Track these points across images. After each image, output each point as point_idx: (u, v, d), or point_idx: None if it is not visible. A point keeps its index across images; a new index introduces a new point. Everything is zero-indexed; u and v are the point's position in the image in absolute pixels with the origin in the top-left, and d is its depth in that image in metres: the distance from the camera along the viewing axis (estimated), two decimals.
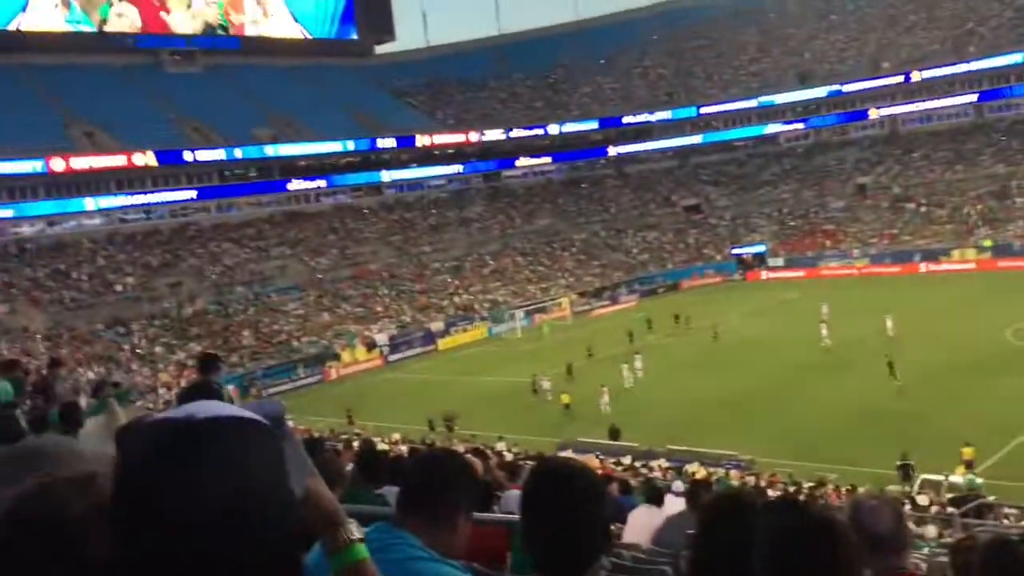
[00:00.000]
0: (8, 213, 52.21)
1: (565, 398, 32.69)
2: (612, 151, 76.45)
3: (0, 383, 9.16)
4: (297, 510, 1.18)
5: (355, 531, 1.59)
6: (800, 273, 59.35)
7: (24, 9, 59.99)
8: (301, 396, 41.81)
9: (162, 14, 66.07)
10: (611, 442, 27.53)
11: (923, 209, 61.04)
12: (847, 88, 69.62)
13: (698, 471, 21.73)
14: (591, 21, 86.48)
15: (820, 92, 70.69)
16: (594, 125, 75.44)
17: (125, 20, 64.37)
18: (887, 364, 30.71)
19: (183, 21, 67.19)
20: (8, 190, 51.83)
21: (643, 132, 75.65)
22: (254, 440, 1.10)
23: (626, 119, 75.27)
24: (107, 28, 63.65)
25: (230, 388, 42.38)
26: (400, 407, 36.25)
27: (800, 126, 72.99)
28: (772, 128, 73.41)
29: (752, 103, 72.89)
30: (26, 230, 53.45)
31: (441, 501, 2.22)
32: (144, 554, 1.03)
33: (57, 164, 52.63)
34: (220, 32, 69.30)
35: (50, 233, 53.92)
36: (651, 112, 75.19)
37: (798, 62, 75.20)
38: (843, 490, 19.62)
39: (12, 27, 59.73)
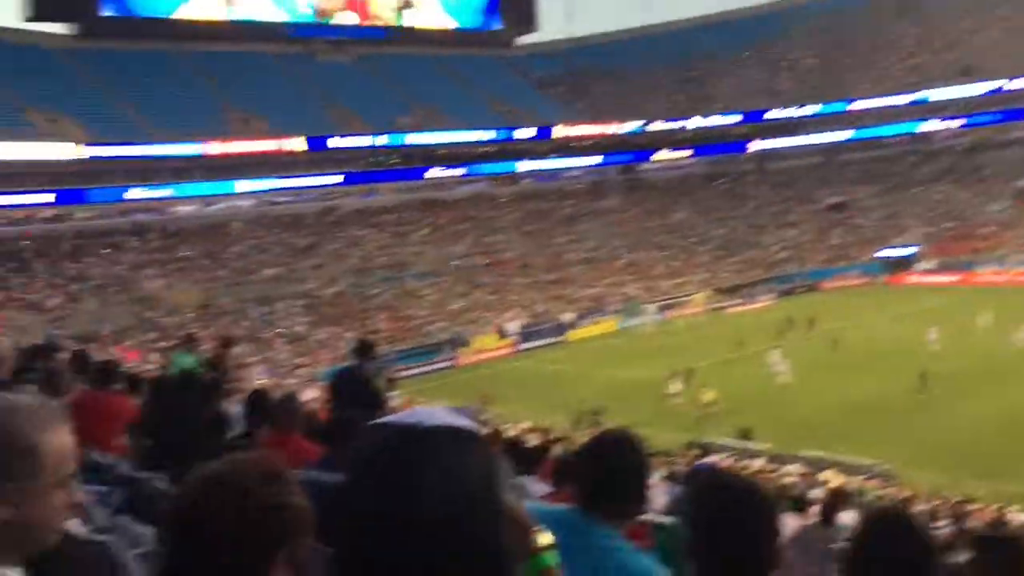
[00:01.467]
0: (168, 192, 55.29)
1: (709, 394, 32.00)
2: (754, 146, 74.52)
3: (186, 357, 9.88)
4: (506, 519, 1.19)
5: (543, 539, 1.59)
6: (953, 278, 56.37)
7: None
8: (432, 380, 42.65)
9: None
10: (743, 443, 26.89)
11: None
12: (1012, 85, 65.54)
13: (833, 479, 20.96)
14: (738, 12, 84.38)
15: (982, 88, 66.79)
16: (737, 119, 73.66)
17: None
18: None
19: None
20: (169, 171, 54.89)
21: (788, 127, 73.43)
22: (474, 449, 1.14)
23: (770, 114, 73.20)
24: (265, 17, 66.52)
25: None
26: (529, 396, 36.45)
27: (958, 124, 69.18)
28: (928, 126, 69.90)
29: (907, 99, 69.61)
30: (183, 210, 56.45)
31: (635, 490, 2.15)
32: (363, 551, 1.09)
33: (213, 148, 55.33)
34: (378, 24, 71.31)
35: (204, 213, 56.78)
36: (798, 106, 72.88)
37: (960, 56, 71.28)
38: (994, 507, 18.55)
39: (176, 16, 63.06)
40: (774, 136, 73.88)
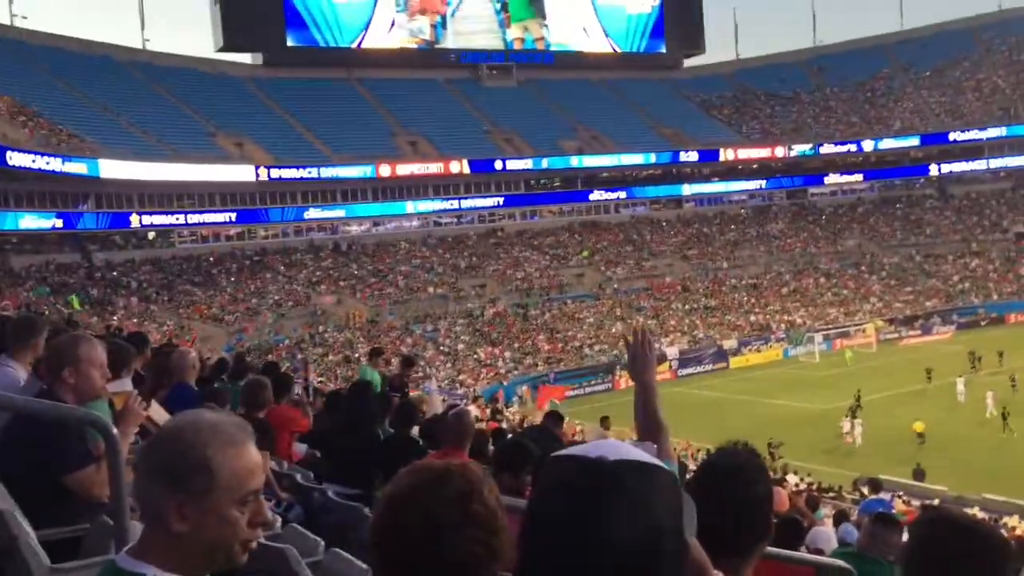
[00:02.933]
0: (340, 213, 57.83)
1: (918, 426, 30.48)
2: (934, 170, 70.68)
3: (373, 373, 10.25)
4: (688, 558, 1.16)
5: None
6: None
7: (366, 28, 66.21)
8: (590, 402, 42.48)
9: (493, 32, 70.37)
10: (916, 483, 25.43)
11: None
12: None
13: (1019, 526, 19.52)
14: (918, 30, 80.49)
15: None
16: (915, 142, 70.11)
17: (460, 38, 69.38)
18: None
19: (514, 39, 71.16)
20: (342, 192, 57.43)
21: (972, 150, 69.33)
22: (660, 486, 1.12)
23: (953, 136, 69.32)
24: (440, 45, 68.71)
25: (524, 388, 44.08)
26: (686, 423, 35.69)
27: None
28: None
29: None
30: (354, 229, 58.86)
31: (749, 523, 1.93)
32: None
33: (384, 170, 57.51)
34: (540, 48, 72.38)
35: (374, 233, 58.99)
36: (982, 128, 68.71)
37: None
38: None
39: (354, 45, 66.12)
40: (957, 160, 69.91)
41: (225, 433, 1.59)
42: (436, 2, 68.46)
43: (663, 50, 76.34)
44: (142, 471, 1.59)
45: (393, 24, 67.00)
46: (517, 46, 72.17)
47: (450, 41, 69.32)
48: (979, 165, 69.64)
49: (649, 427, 2.39)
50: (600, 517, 1.07)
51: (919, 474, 26.17)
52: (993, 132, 68.45)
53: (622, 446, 1.16)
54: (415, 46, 67.98)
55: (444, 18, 69.01)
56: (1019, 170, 68.83)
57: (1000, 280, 60.09)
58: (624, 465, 1.11)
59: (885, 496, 19.29)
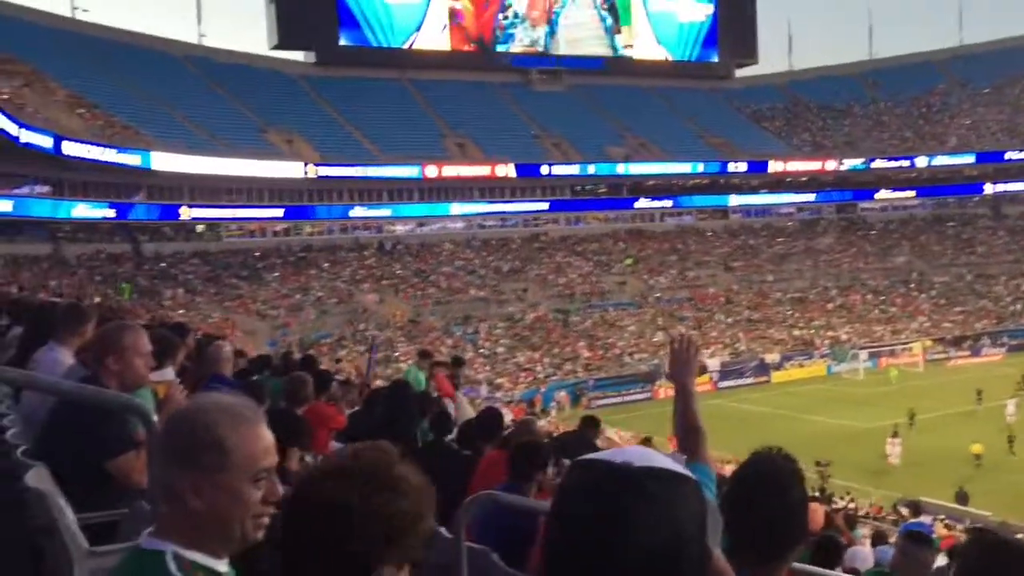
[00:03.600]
0: (387, 212, 58.22)
1: (976, 448, 29.93)
2: (989, 188, 69.33)
3: (418, 373, 10.21)
4: (710, 568, 1.17)
5: None
6: None
7: (418, 30, 66.66)
8: (628, 411, 42.32)
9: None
10: (959, 507, 24.92)
11: None
12: None
13: None
14: (976, 46, 79.04)
15: None
16: (970, 159, 68.83)
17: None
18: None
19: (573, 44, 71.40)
20: (388, 192, 57.83)
21: None
22: (684, 493, 1.13)
23: (1009, 154, 67.93)
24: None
25: (562, 394, 44.03)
26: (726, 436, 35.32)
27: None
28: None
29: None
30: (399, 229, 59.24)
31: (781, 533, 1.92)
32: None
33: (431, 171, 57.80)
34: (596, 55, 72.53)
35: (418, 233, 59.30)
36: None
37: None
38: None
39: (406, 46, 66.58)
40: (1012, 179, 68.49)
41: (237, 413, 1.65)
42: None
43: (715, 59, 75.84)
44: (159, 452, 1.66)
45: (445, 27, 67.44)
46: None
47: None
48: None
49: (687, 431, 2.42)
50: (624, 522, 1.07)
51: (962, 497, 25.62)
52: None
53: (648, 453, 1.16)
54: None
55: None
56: None
57: None
58: (649, 471, 1.11)
59: (926, 519, 18.97)
